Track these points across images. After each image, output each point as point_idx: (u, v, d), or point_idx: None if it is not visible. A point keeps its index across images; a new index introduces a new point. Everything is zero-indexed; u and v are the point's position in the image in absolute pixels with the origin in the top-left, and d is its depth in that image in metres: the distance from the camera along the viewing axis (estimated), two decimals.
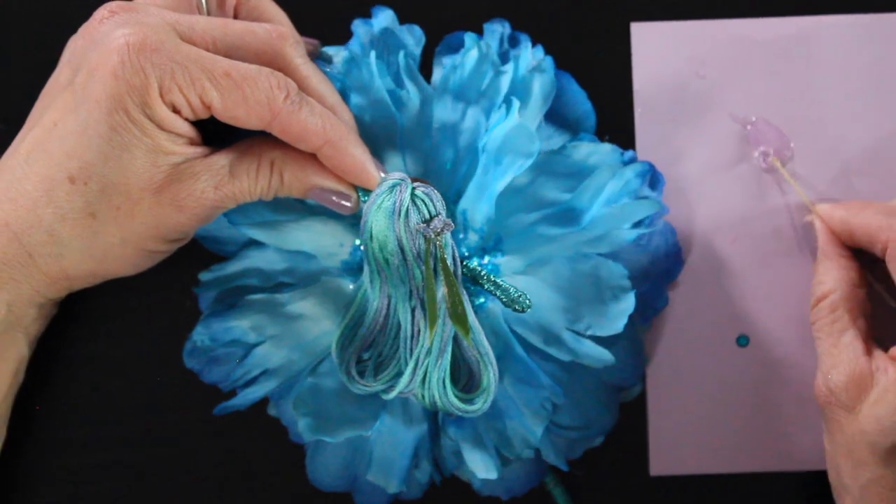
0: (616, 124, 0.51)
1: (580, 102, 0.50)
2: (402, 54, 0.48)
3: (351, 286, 0.48)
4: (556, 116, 0.49)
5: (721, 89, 0.51)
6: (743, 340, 0.51)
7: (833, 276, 0.47)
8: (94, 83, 0.40)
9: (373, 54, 0.47)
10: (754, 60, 0.51)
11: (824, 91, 0.51)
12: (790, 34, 0.52)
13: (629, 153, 0.49)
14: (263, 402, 0.50)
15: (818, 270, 0.48)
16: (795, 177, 0.51)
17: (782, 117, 0.51)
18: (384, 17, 0.49)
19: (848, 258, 0.48)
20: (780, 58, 0.51)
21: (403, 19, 0.50)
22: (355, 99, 0.47)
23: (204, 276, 0.49)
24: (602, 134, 0.51)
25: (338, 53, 0.50)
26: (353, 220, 0.48)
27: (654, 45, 0.52)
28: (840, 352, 0.46)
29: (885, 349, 0.46)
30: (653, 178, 0.48)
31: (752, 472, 0.51)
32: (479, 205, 0.47)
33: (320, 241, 0.48)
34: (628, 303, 0.47)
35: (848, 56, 0.51)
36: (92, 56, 0.41)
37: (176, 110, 0.41)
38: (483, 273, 0.46)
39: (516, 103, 0.46)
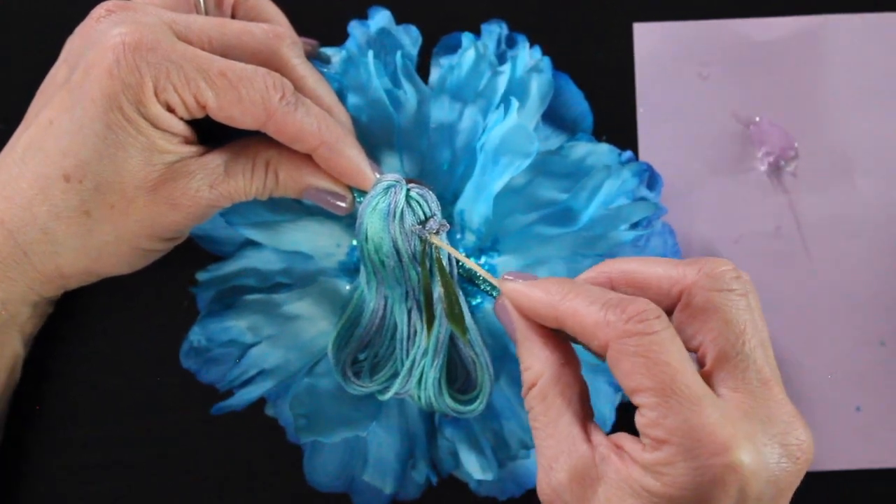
0: (618, 125, 0.52)
1: (578, 102, 0.50)
2: (399, 54, 0.48)
3: (348, 287, 0.49)
4: (554, 116, 0.50)
5: (724, 89, 0.52)
6: None
7: (538, 359, 0.40)
8: (90, 81, 0.41)
9: (370, 54, 0.48)
10: (757, 60, 0.52)
11: (828, 91, 0.52)
12: (793, 34, 0.52)
13: (626, 153, 0.49)
14: (262, 403, 0.50)
15: (521, 355, 0.41)
16: (799, 177, 0.51)
17: (786, 117, 0.52)
18: (381, 18, 0.50)
19: (547, 336, 0.41)
20: (784, 58, 0.52)
21: (401, 19, 0.50)
22: (352, 99, 0.48)
23: (201, 275, 0.49)
24: (604, 134, 0.51)
25: (335, 54, 0.50)
26: (351, 221, 0.48)
27: (656, 46, 0.52)
28: (558, 442, 0.39)
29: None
30: (651, 179, 0.49)
31: None
32: (476, 205, 0.48)
33: (317, 241, 0.49)
34: None
35: (852, 55, 0.52)
36: (88, 54, 0.42)
37: (171, 109, 0.42)
38: (478, 274, 0.47)
39: (515, 103, 0.47)
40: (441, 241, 0.45)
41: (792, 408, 0.37)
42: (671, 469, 0.35)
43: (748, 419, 0.36)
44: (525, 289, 0.41)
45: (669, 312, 0.39)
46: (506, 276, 0.42)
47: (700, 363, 0.38)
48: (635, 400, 0.36)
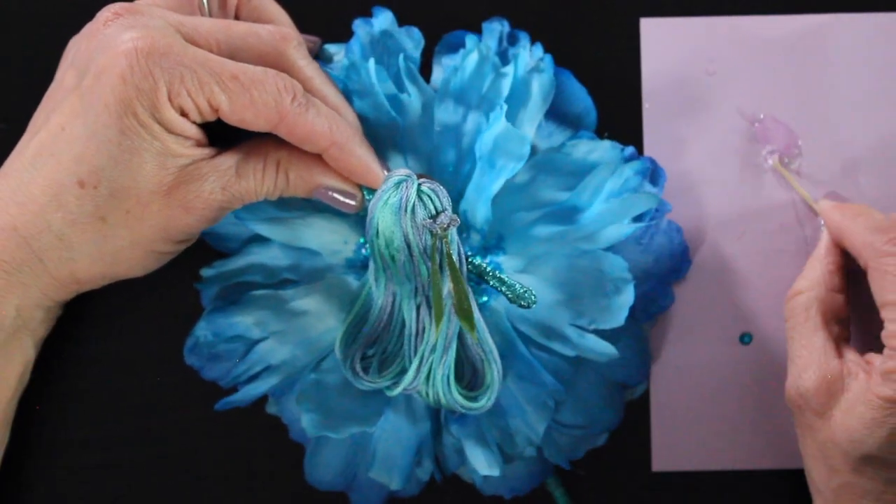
0: (624, 121, 0.52)
1: (581, 99, 0.51)
2: (401, 57, 0.49)
3: (355, 283, 0.50)
4: (557, 113, 0.50)
5: (730, 86, 0.52)
6: (747, 338, 0.52)
7: (814, 275, 0.47)
8: (102, 87, 0.41)
9: (371, 61, 0.48)
10: (763, 57, 0.52)
11: (833, 89, 0.52)
12: (800, 32, 0.52)
13: (629, 149, 0.50)
14: (262, 402, 0.51)
15: (805, 266, 0.48)
16: (803, 175, 0.52)
17: (791, 115, 0.52)
18: (383, 19, 0.50)
19: (834, 261, 0.48)
20: (790, 55, 0.52)
21: (403, 14, 0.50)
22: (357, 103, 0.48)
23: (206, 271, 0.50)
24: (610, 130, 0.51)
25: (339, 52, 0.51)
26: (358, 218, 0.49)
27: (663, 42, 0.53)
28: (811, 353, 0.45)
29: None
30: (654, 174, 0.49)
31: (754, 469, 0.52)
32: (477, 206, 0.48)
33: (325, 238, 0.49)
34: (629, 294, 0.48)
35: (857, 54, 0.52)
36: (99, 59, 0.42)
37: (184, 114, 0.42)
38: (488, 269, 0.47)
39: (504, 108, 0.47)
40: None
41: None
42: None
43: None
44: (830, 209, 0.48)
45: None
46: (824, 201, 0.50)
47: None
48: (883, 313, 0.43)
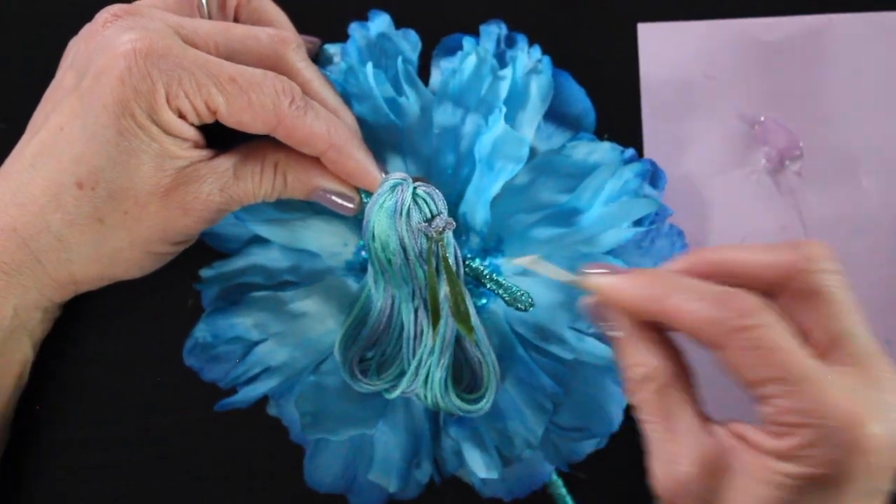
0: (623, 124, 0.53)
1: (579, 100, 0.51)
2: (400, 60, 0.49)
3: (355, 286, 0.50)
4: (556, 114, 0.51)
5: (729, 89, 0.53)
6: None
7: (652, 354, 0.40)
8: (101, 88, 0.42)
9: (369, 65, 0.49)
10: (762, 60, 0.53)
11: (833, 90, 0.52)
12: (798, 34, 0.53)
13: (629, 151, 0.50)
14: (263, 403, 0.51)
15: (627, 352, 0.41)
16: (804, 176, 0.52)
17: (791, 117, 0.52)
18: (380, 22, 0.51)
19: (654, 329, 0.41)
20: (789, 57, 0.53)
21: (400, 16, 0.51)
22: (356, 106, 0.49)
23: (205, 272, 0.50)
24: (610, 132, 0.52)
25: (338, 52, 0.51)
26: (358, 221, 0.49)
27: (661, 45, 0.53)
28: (680, 437, 0.39)
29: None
30: (654, 176, 0.50)
31: None
32: (476, 208, 0.49)
33: (325, 240, 0.50)
34: None
35: (857, 55, 0.52)
36: (98, 61, 0.42)
37: (182, 115, 0.43)
38: (485, 272, 0.48)
39: (502, 110, 0.48)
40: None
41: None
42: (810, 451, 0.36)
43: (867, 391, 0.37)
44: (621, 283, 0.40)
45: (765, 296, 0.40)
46: (589, 270, 0.41)
47: (810, 345, 0.39)
48: (758, 392, 0.37)
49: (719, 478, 0.38)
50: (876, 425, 0.36)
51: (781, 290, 0.39)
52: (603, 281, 0.40)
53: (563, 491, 0.51)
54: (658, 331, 0.40)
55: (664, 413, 0.39)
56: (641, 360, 0.40)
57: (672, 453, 0.39)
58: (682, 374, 0.40)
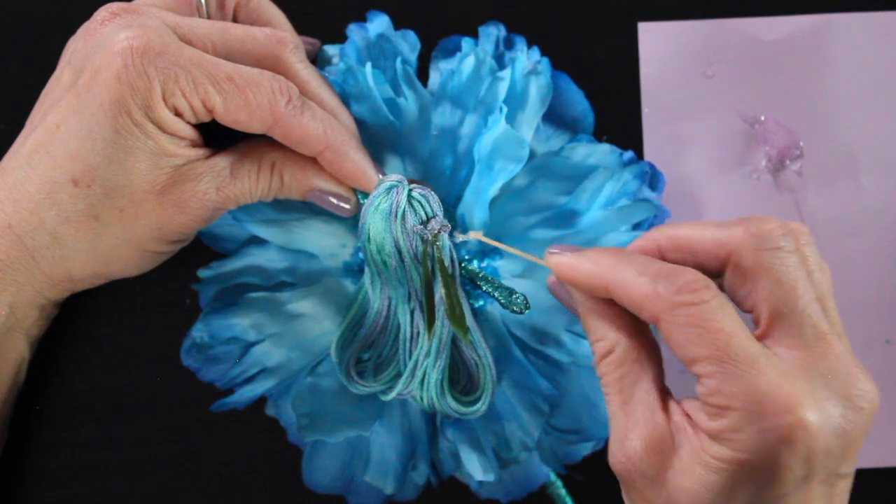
0: (623, 124, 0.53)
1: (578, 102, 0.51)
2: (398, 61, 0.49)
3: (352, 287, 0.50)
4: (555, 116, 0.51)
5: (729, 89, 0.53)
6: None
7: (610, 328, 0.41)
8: (98, 86, 0.42)
9: (368, 66, 0.49)
10: (762, 59, 0.53)
11: (833, 90, 0.53)
12: (798, 33, 0.53)
13: (628, 153, 0.50)
14: (261, 403, 0.51)
15: (589, 327, 0.42)
16: (804, 176, 0.52)
17: (791, 116, 0.53)
18: (379, 23, 0.51)
19: (614, 304, 0.41)
20: (789, 57, 0.53)
21: (399, 17, 0.51)
22: (354, 107, 0.49)
23: (203, 272, 0.50)
24: (609, 134, 0.52)
25: (337, 54, 0.51)
26: (356, 222, 0.49)
27: (661, 45, 0.53)
28: (634, 410, 0.39)
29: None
30: (653, 178, 0.50)
31: None
32: (474, 209, 0.49)
33: (322, 241, 0.50)
34: None
35: (857, 54, 0.52)
36: (95, 58, 0.42)
37: (179, 113, 0.43)
38: (481, 274, 0.48)
39: (504, 110, 0.48)
40: (480, 235, 0.47)
41: (852, 359, 0.38)
42: (738, 434, 0.36)
43: (807, 376, 0.37)
44: (573, 261, 0.41)
45: (721, 275, 0.40)
46: (550, 250, 0.42)
47: (755, 323, 0.39)
48: (693, 370, 0.37)
49: (666, 456, 0.38)
50: (810, 412, 0.36)
51: (734, 269, 0.39)
52: (559, 260, 0.41)
53: (563, 492, 0.51)
54: (621, 306, 0.40)
55: (621, 388, 0.40)
56: (601, 334, 0.41)
57: (624, 428, 0.39)
58: (644, 350, 0.41)
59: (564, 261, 0.41)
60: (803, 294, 0.38)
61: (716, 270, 0.40)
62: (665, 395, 0.40)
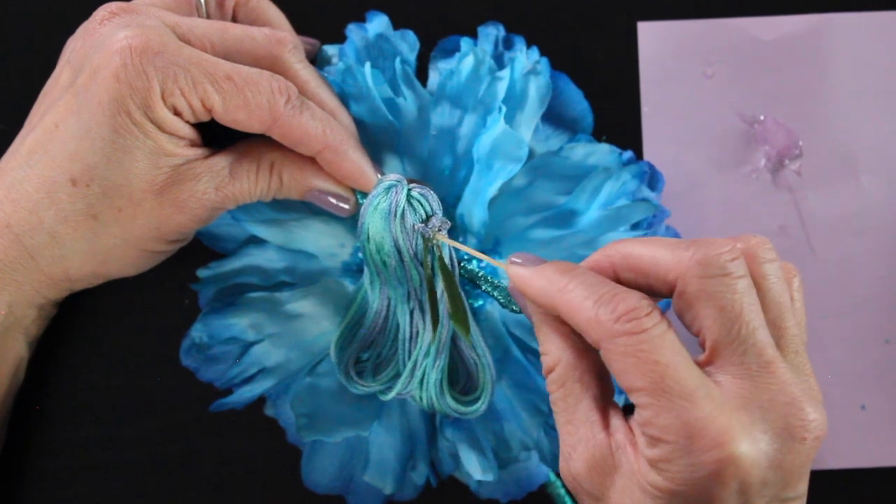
0: (622, 124, 0.53)
1: (577, 102, 0.51)
2: (397, 61, 0.50)
3: (351, 287, 0.50)
4: (554, 116, 0.51)
5: (728, 88, 0.53)
6: None
7: (554, 344, 0.41)
8: (97, 85, 0.42)
9: (367, 66, 0.49)
10: (762, 59, 0.53)
11: (832, 89, 0.53)
12: (798, 32, 0.53)
13: (627, 153, 0.50)
14: (261, 403, 0.51)
15: (539, 339, 0.42)
16: (803, 175, 0.53)
17: (790, 116, 0.53)
18: (378, 23, 0.51)
19: (564, 322, 0.40)
20: (788, 56, 0.53)
21: (399, 17, 0.51)
22: (353, 107, 0.49)
23: (202, 272, 0.50)
24: (608, 133, 0.52)
25: (336, 54, 0.51)
26: (355, 222, 0.49)
27: (660, 45, 0.53)
28: (577, 429, 0.39)
29: None
30: (652, 178, 0.50)
31: None
32: (474, 209, 0.49)
33: (321, 241, 0.50)
34: None
35: (856, 54, 0.53)
36: (94, 58, 0.43)
37: (177, 113, 0.43)
38: (481, 274, 0.48)
39: (503, 110, 0.48)
40: (445, 238, 0.46)
41: (797, 387, 0.37)
42: (671, 466, 0.36)
43: (746, 407, 0.36)
44: (528, 275, 0.41)
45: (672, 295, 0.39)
46: (512, 259, 0.42)
47: (701, 347, 0.38)
48: (631, 398, 0.37)
49: (608, 476, 0.38)
50: (742, 446, 0.35)
51: (679, 294, 0.38)
52: (516, 271, 0.41)
53: (563, 491, 0.51)
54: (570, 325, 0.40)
55: (565, 405, 0.40)
56: (547, 347, 0.41)
57: (569, 447, 0.39)
58: (588, 369, 0.40)
59: (521, 273, 0.41)
60: (748, 321, 0.37)
61: (667, 293, 0.39)
62: (608, 413, 0.39)
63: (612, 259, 0.40)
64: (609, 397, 0.40)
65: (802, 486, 0.37)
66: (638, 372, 0.36)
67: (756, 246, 0.39)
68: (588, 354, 0.40)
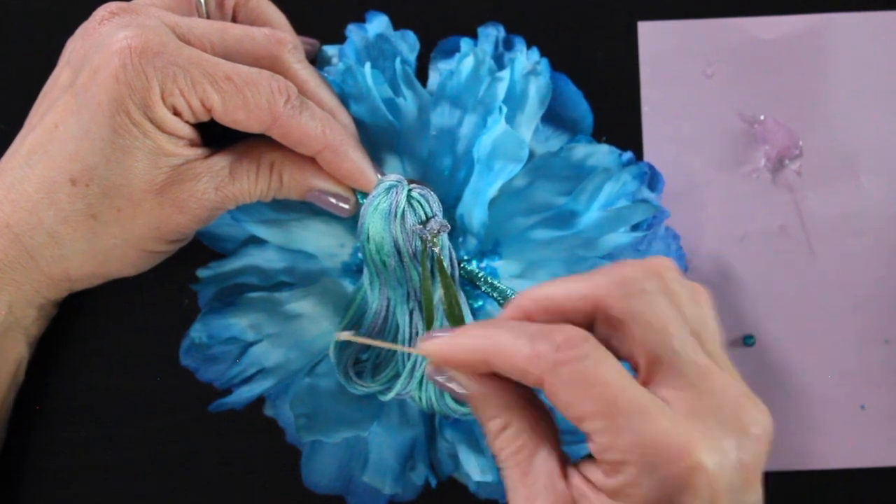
0: (622, 124, 0.53)
1: (577, 102, 0.51)
2: (398, 61, 0.50)
3: (350, 287, 0.50)
4: (554, 117, 0.51)
5: (729, 88, 0.53)
6: (749, 340, 0.52)
7: (500, 405, 0.39)
8: (96, 86, 0.42)
9: (367, 66, 0.49)
10: (762, 59, 0.53)
11: (833, 89, 0.53)
12: (798, 32, 0.53)
13: (627, 154, 0.50)
14: (260, 403, 0.51)
15: (480, 407, 0.40)
16: (803, 175, 0.53)
17: (790, 116, 0.53)
18: (378, 24, 0.51)
19: (502, 380, 0.39)
20: (789, 56, 0.53)
21: (399, 17, 0.51)
22: (353, 107, 0.49)
23: (202, 272, 0.50)
24: (608, 133, 0.52)
25: (336, 55, 0.51)
26: (355, 222, 0.49)
27: (661, 44, 0.53)
28: (535, 481, 0.38)
29: None
30: (652, 179, 0.50)
31: None
32: (474, 210, 0.49)
33: (321, 241, 0.50)
34: None
35: (857, 54, 0.53)
36: (93, 58, 0.43)
37: (177, 113, 0.43)
38: (480, 275, 0.48)
39: (503, 110, 0.48)
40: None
41: (737, 388, 0.37)
42: (637, 489, 0.35)
43: (698, 415, 0.36)
44: (449, 341, 0.39)
45: (591, 328, 0.38)
46: (422, 337, 0.40)
47: (635, 370, 0.38)
48: (583, 428, 0.36)
49: None
50: (707, 453, 0.35)
51: (603, 320, 0.38)
52: (434, 343, 0.39)
53: None
54: (508, 380, 0.39)
55: (518, 461, 0.38)
56: (493, 413, 0.39)
57: (525, 498, 0.38)
58: (538, 419, 0.39)
59: (440, 343, 0.39)
60: (676, 333, 0.37)
61: (586, 325, 0.38)
62: (563, 461, 0.38)
63: (523, 308, 0.39)
64: (560, 446, 0.39)
65: (760, 487, 0.37)
66: (588, 397, 0.35)
67: (660, 265, 0.38)
68: (534, 406, 0.39)
